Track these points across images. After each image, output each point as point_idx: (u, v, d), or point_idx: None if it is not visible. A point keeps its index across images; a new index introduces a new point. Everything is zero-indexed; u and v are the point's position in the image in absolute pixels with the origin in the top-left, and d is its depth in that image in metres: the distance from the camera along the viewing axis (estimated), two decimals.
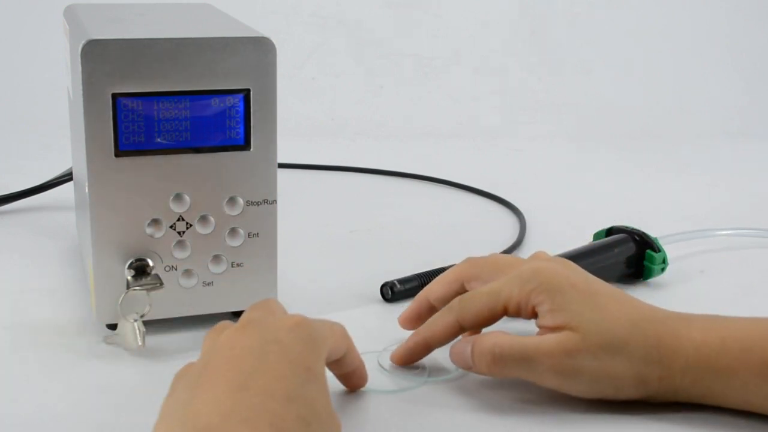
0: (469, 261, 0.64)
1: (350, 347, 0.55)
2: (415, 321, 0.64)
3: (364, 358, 0.62)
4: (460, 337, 0.60)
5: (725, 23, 1.54)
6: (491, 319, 0.59)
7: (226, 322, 0.52)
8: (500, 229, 0.91)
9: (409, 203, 1.02)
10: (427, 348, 0.61)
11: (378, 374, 0.61)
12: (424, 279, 0.73)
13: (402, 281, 0.72)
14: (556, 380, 0.56)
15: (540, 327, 0.57)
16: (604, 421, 0.56)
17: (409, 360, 0.61)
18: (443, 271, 0.72)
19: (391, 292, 0.72)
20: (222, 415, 0.41)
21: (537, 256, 0.63)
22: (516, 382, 0.60)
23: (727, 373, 0.54)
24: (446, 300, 0.61)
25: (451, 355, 0.59)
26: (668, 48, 1.52)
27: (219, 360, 0.46)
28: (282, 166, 0.71)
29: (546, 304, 0.56)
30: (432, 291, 0.64)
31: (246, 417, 0.41)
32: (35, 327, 0.66)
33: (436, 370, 0.61)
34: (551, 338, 0.55)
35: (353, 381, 0.57)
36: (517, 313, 0.58)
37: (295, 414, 0.43)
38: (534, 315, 0.57)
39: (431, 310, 0.63)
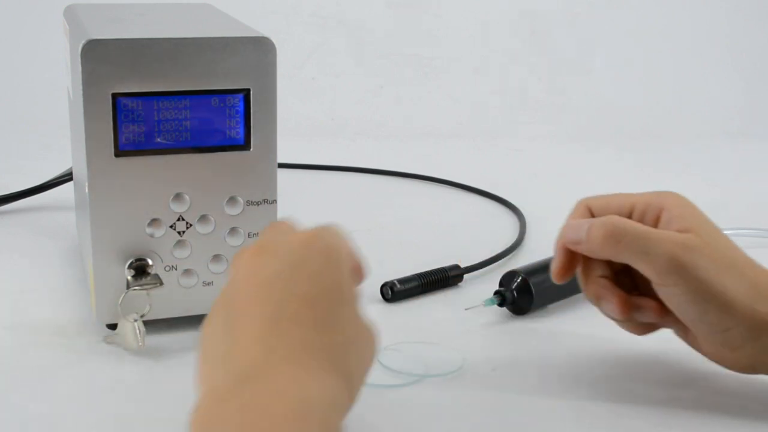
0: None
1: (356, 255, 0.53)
2: (566, 270, 0.59)
3: None
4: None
5: (725, 23, 1.54)
6: (619, 209, 0.57)
7: (247, 248, 0.49)
8: (500, 229, 0.91)
9: (409, 203, 1.02)
10: (569, 251, 0.58)
11: (378, 372, 0.61)
12: (423, 279, 0.73)
13: (402, 281, 0.72)
14: (668, 269, 0.53)
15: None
16: (605, 421, 0.56)
17: (566, 271, 0.58)
18: (442, 271, 0.72)
19: (391, 292, 0.72)
20: (263, 355, 0.41)
21: None
22: (515, 379, 0.60)
23: None
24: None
25: (566, 228, 0.57)
26: (668, 48, 1.52)
27: (247, 290, 0.45)
28: (282, 166, 0.71)
29: (676, 210, 0.55)
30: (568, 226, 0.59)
31: (285, 354, 0.41)
32: (35, 327, 0.66)
33: (435, 367, 0.61)
34: (675, 233, 0.54)
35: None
36: (642, 215, 0.57)
37: (332, 341, 0.43)
38: (656, 221, 0.56)
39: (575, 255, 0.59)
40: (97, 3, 0.77)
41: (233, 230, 0.64)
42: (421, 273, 0.74)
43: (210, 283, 0.65)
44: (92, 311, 0.65)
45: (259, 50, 0.61)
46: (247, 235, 0.64)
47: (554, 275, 0.59)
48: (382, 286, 0.72)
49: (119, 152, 0.60)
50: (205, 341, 0.45)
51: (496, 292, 0.70)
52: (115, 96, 0.59)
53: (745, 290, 0.53)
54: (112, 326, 0.64)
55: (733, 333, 0.54)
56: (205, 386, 0.43)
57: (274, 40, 0.61)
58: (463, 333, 0.67)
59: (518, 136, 1.35)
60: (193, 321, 0.66)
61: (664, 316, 0.57)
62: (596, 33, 1.52)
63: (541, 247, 0.77)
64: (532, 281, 0.69)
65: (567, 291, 0.73)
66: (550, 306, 0.72)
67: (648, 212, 0.57)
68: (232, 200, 0.63)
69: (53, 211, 0.92)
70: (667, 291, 0.54)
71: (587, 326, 0.69)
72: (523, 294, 0.69)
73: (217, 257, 0.64)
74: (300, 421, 0.38)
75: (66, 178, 0.91)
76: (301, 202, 0.96)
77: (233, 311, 0.44)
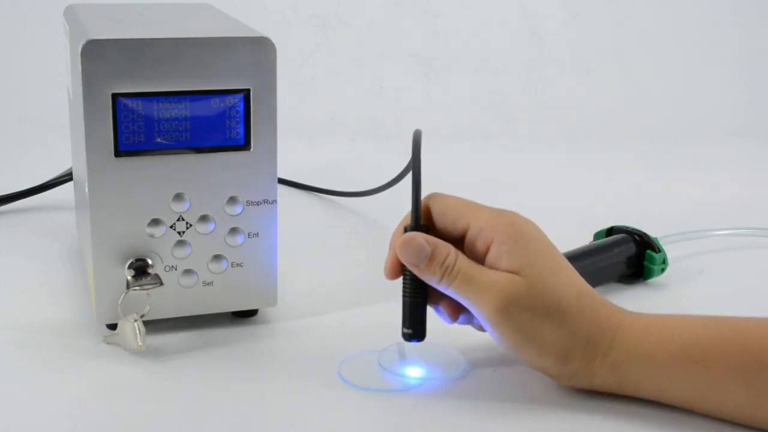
0: (435, 195, 0.60)
1: None
2: (397, 269, 0.59)
3: (364, 358, 0.62)
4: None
5: (726, 23, 1.54)
6: (453, 224, 0.58)
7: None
8: None
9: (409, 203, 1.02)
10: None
11: (378, 374, 0.61)
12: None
13: None
14: (489, 316, 0.55)
15: (491, 266, 0.56)
16: (605, 421, 0.56)
17: (393, 271, 0.58)
18: None
19: None
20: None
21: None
22: (516, 380, 0.60)
23: (645, 359, 0.55)
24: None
25: (405, 246, 0.56)
26: (669, 48, 1.52)
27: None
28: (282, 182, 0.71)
29: (506, 246, 0.55)
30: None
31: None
32: (35, 327, 0.66)
33: (437, 368, 0.61)
34: (504, 275, 0.55)
35: None
36: (474, 240, 0.57)
37: None
38: (486, 251, 0.56)
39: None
40: (97, 3, 0.77)
41: (233, 230, 0.64)
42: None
43: (210, 283, 0.65)
44: (92, 311, 0.65)
45: (259, 50, 0.61)
46: (247, 235, 0.64)
47: (385, 273, 0.59)
48: None
49: (119, 152, 0.60)
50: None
51: None
52: (115, 96, 0.59)
53: (562, 340, 0.55)
54: (112, 326, 0.64)
55: (549, 371, 0.57)
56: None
57: (274, 40, 0.61)
58: (464, 334, 0.67)
59: (518, 136, 1.35)
60: (193, 321, 0.66)
61: None
62: (596, 33, 1.52)
63: None
64: None
65: None
66: None
67: (479, 239, 0.57)
68: (232, 200, 0.63)
69: (53, 211, 0.92)
70: (487, 327, 0.56)
71: None
72: None
73: (217, 257, 0.64)
74: None
75: (66, 178, 0.91)
76: (301, 202, 0.97)
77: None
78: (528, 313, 0.55)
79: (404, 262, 0.57)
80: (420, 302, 0.58)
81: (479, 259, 0.57)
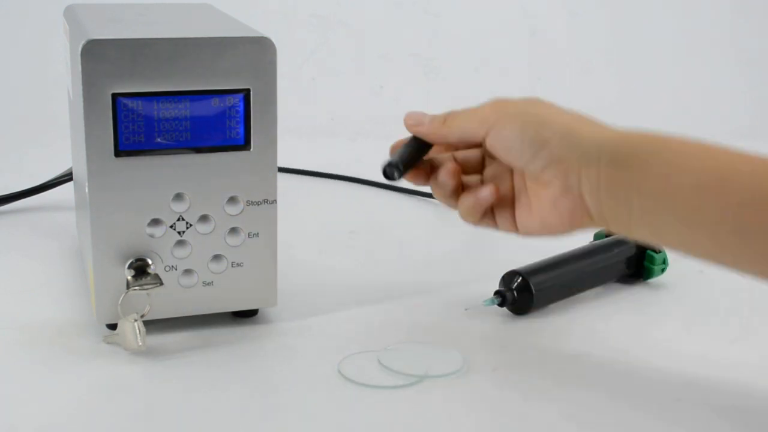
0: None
1: None
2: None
3: (364, 357, 0.62)
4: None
5: (726, 23, 1.54)
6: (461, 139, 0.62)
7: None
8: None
9: (410, 203, 1.02)
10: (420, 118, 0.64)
11: (378, 372, 0.61)
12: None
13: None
14: (484, 118, 0.60)
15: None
16: (605, 421, 0.56)
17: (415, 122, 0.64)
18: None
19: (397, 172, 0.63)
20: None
21: None
22: (515, 379, 0.60)
23: (647, 153, 0.54)
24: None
25: (410, 115, 0.62)
26: (669, 48, 1.52)
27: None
28: (282, 170, 0.71)
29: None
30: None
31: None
32: (35, 327, 0.66)
33: (436, 367, 0.61)
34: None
35: None
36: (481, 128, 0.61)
37: None
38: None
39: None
40: (97, 3, 0.77)
41: (233, 230, 0.64)
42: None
43: (210, 283, 0.65)
44: (92, 311, 0.65)
45: (259, 50, 0.61)
46: (247, 235, 0.64)
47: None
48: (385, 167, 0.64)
49: (119, 152, 0.60)
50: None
51: (497, 292, 0.70)
52: (115, 96, 0.59)
53: (555, 140, 0.57)
54: (112, 326, 0.64)
55: (550, 150, 0.57)
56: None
57: (274, 40, 0.61)
58: (464, 333, 0.67)
59: None
60: (193, 321, 0.66)
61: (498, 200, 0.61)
62: (596, 33, 1.52)
63: (541, 249, 0.77)
64: (532, 281, 0.69)
65: (567, 291, 0.73)
66: (550, 306, 0.72)
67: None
68: (232, 200, 0.63)
69: (53, 211, 0.92)
70: (495, 136, 0.59)
71: (587, 326, 0.69)
72: (523, 294, 0.69)
73: (217, 257, 0.64)
74: None
75: (66, 178, 0.91)
76: (301, 202, 0.97)
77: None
78: (519, 112, 0.59)
79: (409, 126, 0.62)
80: (415, 147, 0.63)
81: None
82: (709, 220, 0.51)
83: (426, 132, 0.62)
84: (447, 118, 0.62)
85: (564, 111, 0.59)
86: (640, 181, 0.53)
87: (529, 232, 0.60)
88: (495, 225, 0.62)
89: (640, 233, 0.55)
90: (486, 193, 0.60)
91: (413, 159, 0.62)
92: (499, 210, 0.61)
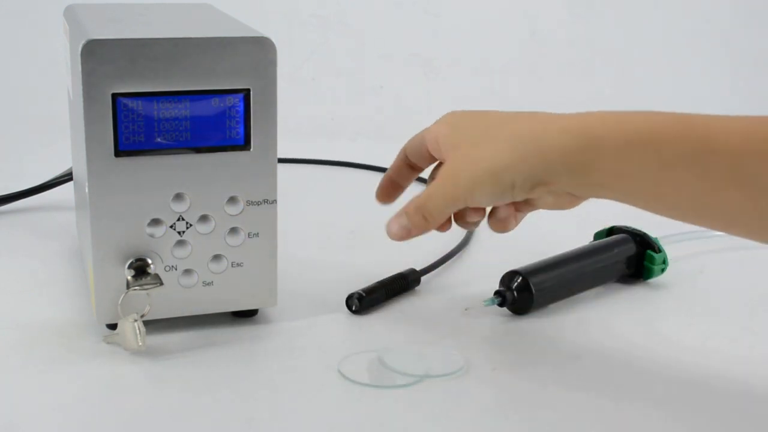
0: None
1: None
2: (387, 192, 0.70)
3: (364, 357, 0.62)
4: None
5: (726, 23, 1.55)
6: (419, 146, 0.66)
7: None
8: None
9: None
10: (390, 182, 0.70)
11: (378, 372, 0.61)
12: (387, 287, 0.72)
13: (366, 291, 0.71)
14: (453, 188, 0.60)
15: (440, 159, 0.64)
16: (605, 421, 0.56)
17: (385, 196, 0.70)
18: (401, 277, 0.74)
19: (359, 303, 0.69)
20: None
21: None
22: (515, 379, 0.60)
23: (601, 138, 0.55)
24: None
25: (391, 226, 0.62)
26: (668, 48, 1.52)
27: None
28: (282, 161, 0.71)
29: (443, 131, 0.63)
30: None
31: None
32: (35, 327, 0.66)
33: (436, 367, 0.61)
34: (440, 172, 0.61)
35: None
36: (427, 140, 0.64)
37: None
38: (435, 145, 0.64)
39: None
40: (97, 3, 0.77)
41: (233, 230, 0.64)
42: (383, 281, 0.73)
43: (210, 283, 0.65)
44: (92, 311, 0.65)
45: (259, 50, 0.61)
46: (247, 235, 0.64)
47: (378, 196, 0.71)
48: (348, 299, 0.70)
49: (119, 152, 0.60)
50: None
51: (497, 292, 0.70)
52: (115, 96, 0.59)
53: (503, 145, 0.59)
54: (112, 326, 0.64)
55: (521, 188, 0.59)
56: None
57: (274, 40, 0.61)
58: (464, 333, 0.67)
59: None
60: (193, 321, 0.66)
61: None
62: (596, 33, 1.52)
63: (541, 248, 0.77)
64: (532, 281, 0.69)
65: (567, 291, 0.73)
66: (550, 306, 0.72)
67: (427, 134, 0.65)
68: (232, 200, 0.63)
69: (53, 211, 0.92)
70: (472, 200, 0.61)
71: (587, 326, 0.69)
72: (523, 294, 0.69)
73: (217, 257, 0.64)
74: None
75: (66, 178, 0.91)
76: (301, 201, 0.97)
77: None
78: (469, 128, 0.61)
79: (399, 239, 0.62)
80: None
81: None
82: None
83: (419, 233, 0.62)
84: (423, 212, 0.61)
85: (495, 122, 0.61)
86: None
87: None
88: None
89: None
90: (505, 214, 0.64)
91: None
92: (521, 211, 0.65)
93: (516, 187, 0.58)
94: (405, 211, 0.61)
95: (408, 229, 0.61)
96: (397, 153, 0.69)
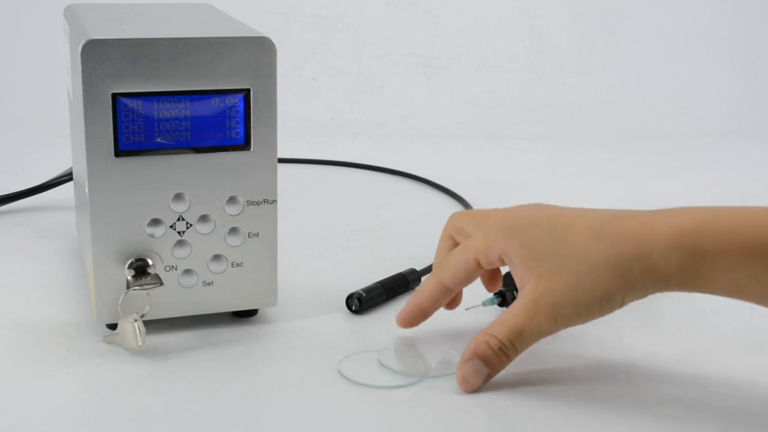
0: (453, 216, 0.66)
1: None
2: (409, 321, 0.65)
3: (364, 357, 0.62)
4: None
5: (725, 23, 1.55)
6: (467, 274, 0.61)
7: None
8: None
9: (410, 203, 1.02)
10: (421, 311, 0.64)
11: (379, 372, 0.61)
12: (387, 286, 0.72)
13: (366, 291, 0.71)
14: (552, 323, 0.57)
15: (514, 276, 0.59)
16: (605, 420, 0.56)
17: (410, 322, 0.64)
18: (401, 277, 0.73)
19: (359, 303, 0.70)
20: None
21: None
22: (515, 379, 0.60)
23: (711, 253, 0.53)
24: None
25: (464, 378, 0.58)
26: (668, 48, 1.52)
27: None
28: (282, 161, 0.71)
29: (510, 248, 0.58)
30: (436, 263, 0.66)
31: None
32: (35, 327, 0.66)
33: (436, 367, 0.61)
34: (527, 297, 0.57)
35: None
36: (489, 263, 0.60)
37: None
38: (503, 262, 0.59)
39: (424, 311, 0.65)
40: (97, 3, 0.77)
41: (233, 230, 0.64)
42: (383, 281, 0.73)
43: (210, 283, 0.65)
44: (92, 311, 0.65)
45: (259, 50, 0.61)
46: (247, 235, 0.64)
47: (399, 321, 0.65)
48: (348, 299, 0.70)
49: (119, 152, 0.60)
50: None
51: (497, 292, 0.70)
52: (115, 96, 0.59)
53: (605, 276, 0.56)
54: (112, 326, 0.64)
55: (608, 303, 0.57)
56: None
57: (274, 40, 0.61)
58: (464, 333, 0.67)
59: (518, 136, 1.35)
60: (193, 321, 0.66)
61: None
62: (596, 33, 1.52)
63: None
64: None
65: None
66: None
67: (490, 257, 0.59)
68: (232, 200, 0.63)
69: (53, 211, 0.92)
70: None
71: (587, 326, 0.69)
72: None
73: (217, 257, 0.64)
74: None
75: (66, 178, 0.91)
76: (301, 201, 0.97)
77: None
78: (567, 293, 0.56)
79: (477, 387, 0.58)
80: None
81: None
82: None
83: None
84: (509, 352, 0.58)
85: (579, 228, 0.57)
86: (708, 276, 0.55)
87: None
88: None
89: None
90: None
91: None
92: None
93: (625, 303, 0.57)
94: (479, 355, 0.57)
95: (486, 374, 0.58)
96: (428, 281, 0.64)
